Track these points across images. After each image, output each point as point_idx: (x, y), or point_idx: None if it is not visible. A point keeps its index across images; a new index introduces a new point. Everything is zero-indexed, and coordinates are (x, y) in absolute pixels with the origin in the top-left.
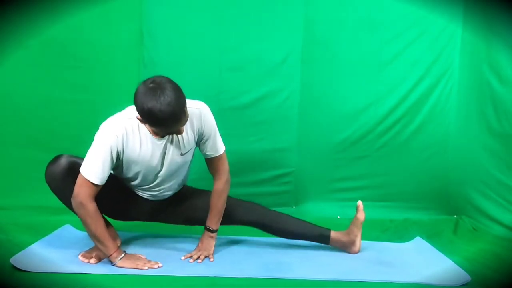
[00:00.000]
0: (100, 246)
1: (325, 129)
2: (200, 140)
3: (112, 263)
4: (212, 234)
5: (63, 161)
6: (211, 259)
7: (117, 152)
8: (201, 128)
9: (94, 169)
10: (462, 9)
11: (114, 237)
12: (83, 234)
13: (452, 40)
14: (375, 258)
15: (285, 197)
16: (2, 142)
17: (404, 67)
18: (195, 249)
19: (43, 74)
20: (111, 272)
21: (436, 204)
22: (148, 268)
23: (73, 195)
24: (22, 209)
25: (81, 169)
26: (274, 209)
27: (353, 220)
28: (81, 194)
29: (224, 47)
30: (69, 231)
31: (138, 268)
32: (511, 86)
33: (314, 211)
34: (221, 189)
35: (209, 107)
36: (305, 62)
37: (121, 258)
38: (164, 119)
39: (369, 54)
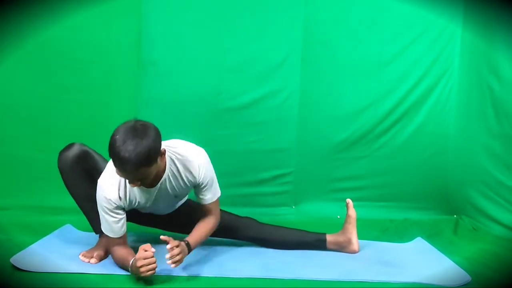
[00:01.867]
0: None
1: (324, 129)
2: (197, 187)
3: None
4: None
5: (76, 148)
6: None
7: (120, 207)
8: (199, 178)
9: (108, 229)
10: (462, 9)
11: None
12: (84, 234)
13: (452, 40)
14: (375, 258)
15: (284, 197)
16: (2, 142)
17: (404, 67)
18: (180, 244)
19: (42, 75)
20: (111, 272)
21: (436, 204)
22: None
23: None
24: (22, 209)
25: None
26: (273, 209)
27: (345, 218)
28: (110, 246)
29: (224, 47)
30: (69, 231)
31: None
32: (511, 86)
33: (313, 211)
34: (211, 223)
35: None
36: (305, 62)
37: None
38: (112, 156)
39: (369, 54)
